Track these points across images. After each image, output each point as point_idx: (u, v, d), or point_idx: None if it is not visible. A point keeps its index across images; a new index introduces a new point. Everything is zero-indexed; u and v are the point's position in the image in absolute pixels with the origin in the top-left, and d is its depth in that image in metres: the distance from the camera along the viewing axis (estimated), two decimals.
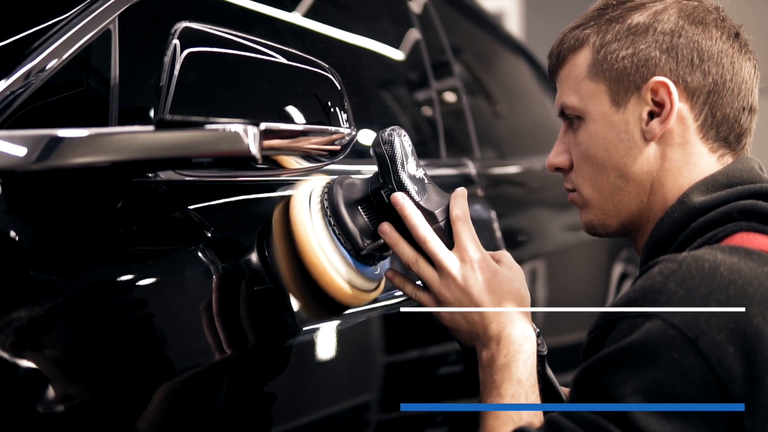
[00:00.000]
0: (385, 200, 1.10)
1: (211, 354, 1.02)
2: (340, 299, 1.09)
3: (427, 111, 2.07)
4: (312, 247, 1.07)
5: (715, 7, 1.12)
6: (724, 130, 1.10)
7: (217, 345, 1.03)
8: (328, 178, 1.14)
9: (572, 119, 1.15)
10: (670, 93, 1.07)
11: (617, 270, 2.85)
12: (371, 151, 1.11)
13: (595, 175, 1.12)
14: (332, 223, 1.08)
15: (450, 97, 2.23)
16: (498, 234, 1.96)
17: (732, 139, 1.11)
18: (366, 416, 1.38)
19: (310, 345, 1.20)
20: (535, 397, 1.04)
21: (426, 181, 1.12)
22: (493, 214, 1.97)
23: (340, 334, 1.26)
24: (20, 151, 0.87)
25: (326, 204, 1.09)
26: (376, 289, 1.15)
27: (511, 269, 1.12)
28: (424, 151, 1.92)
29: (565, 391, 1.18)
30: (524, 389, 1.04)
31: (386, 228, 1.11)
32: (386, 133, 1.09)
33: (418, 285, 1.13)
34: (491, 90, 2.79)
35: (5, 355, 0.82)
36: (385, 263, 1.18)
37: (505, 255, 1.14)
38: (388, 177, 1.09)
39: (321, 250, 1.07)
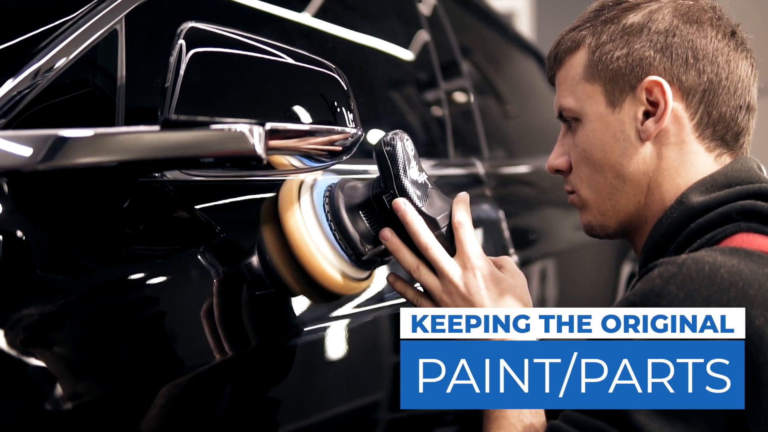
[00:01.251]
0: (387, 205, 1.09)
1: (217, 353, 1.03)
2: (333, 289, 1.08)
3: (436, 111, 2.07)
4: (303, 239, 1.06)
5: (711, 6, 1.11)
6: (720, 129, 1.09)
7: (223, 345, 1.03)
8: (315, 175, 1.14)
9: (570, 121, 1.15)
10: (664, 92, 1.07)
11: (626, 269, 2.84)
12: (373, 156, 1.10)
13: (592, 176, 1.12)
14: (333, 227, 1.08)
15: (459, 97, 2.23)
16: (506, 234, 1.95)
17: (729, 139, 1.10)
18: (368, 417, 1.38)
19: (312, 345, 1.20)
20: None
21: (429, 186, 1.11)
22: (501, 213, 1.97)
23: (342, 335, 1.26)
24: (26, 151, 0.88)
25: (327, 208, 1.08)
26: (369, 276, 1.15)
27: (513, 276, 1.10)
28: (432, 151, 1.92)
29: None
30: None
31: (388, 234, 1.10)
32: (388, 137, 1.09)
33: (420, 291, 1.13)
34: (501, 90, 2.78)
35: (12, 354, 0.83)
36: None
37: (507, 261, 1.13)
38: (389, 182, 1.08)
39: (311, 240, 1.06)
